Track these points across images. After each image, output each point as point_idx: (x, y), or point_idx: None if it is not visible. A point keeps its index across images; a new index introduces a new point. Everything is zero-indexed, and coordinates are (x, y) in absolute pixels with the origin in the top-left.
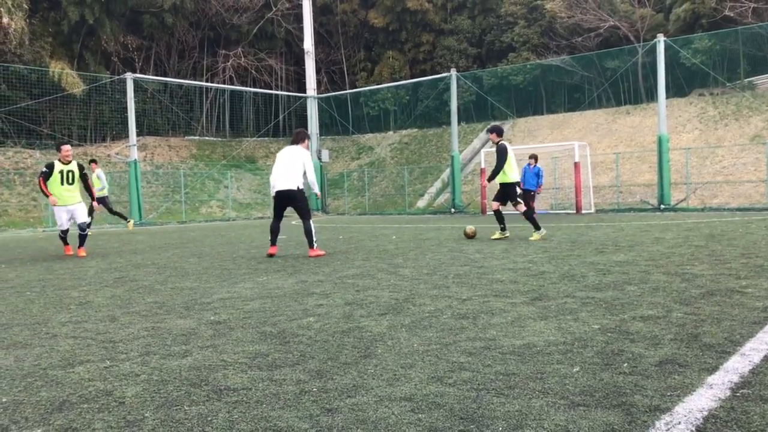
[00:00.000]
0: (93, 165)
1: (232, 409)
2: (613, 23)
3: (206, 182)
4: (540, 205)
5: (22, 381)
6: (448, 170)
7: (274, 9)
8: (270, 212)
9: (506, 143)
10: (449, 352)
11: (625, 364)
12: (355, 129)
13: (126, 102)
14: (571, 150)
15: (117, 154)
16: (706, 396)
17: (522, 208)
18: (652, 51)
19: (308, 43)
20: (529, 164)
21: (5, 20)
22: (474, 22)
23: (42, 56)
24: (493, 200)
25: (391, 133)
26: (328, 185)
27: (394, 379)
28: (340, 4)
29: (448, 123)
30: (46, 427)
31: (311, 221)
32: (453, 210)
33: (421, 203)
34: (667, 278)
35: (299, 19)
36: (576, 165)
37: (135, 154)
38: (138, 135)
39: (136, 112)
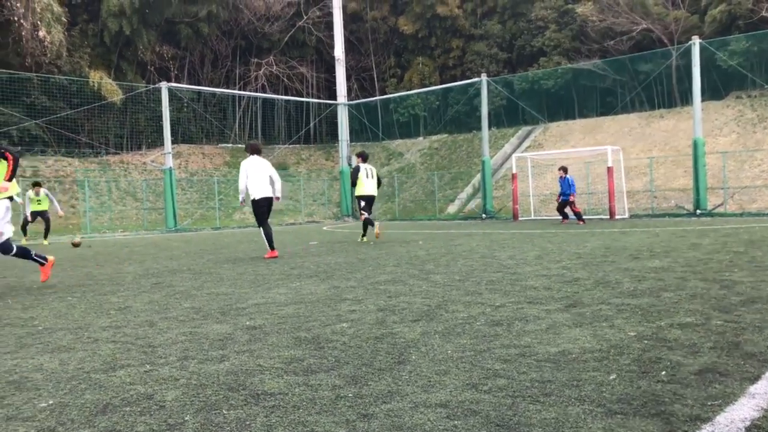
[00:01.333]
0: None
1: (270, 413)
2: (646, 26)
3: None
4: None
5: (67, 384)
6: (478, 175)
7: (305, 17)
8: (299, 218)
9: (361, 165)
10: (483, 359)
11: (663, 372)
12: (384, 135)
13: (161, 110)
14: (604, 155)
15: (152, 161)
16: (749, 406)
17: (364, 215)
18: (687, 53)
19: (339, 51)
20: (560, 176)
21: (42, 33)
22: (504, 26)
23: (81, 66)
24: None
25: (421, 138)
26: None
27: (428, 386)
28: (370, 11)
29: (479, 128)
30: (91, 429)
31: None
32: (484, 215)
33: (452, 209)
34: (704, 285)
35: (330, 26)
36: (609, 170)
37: (170, 161)
38: (173, 143)
39: (170, 120)
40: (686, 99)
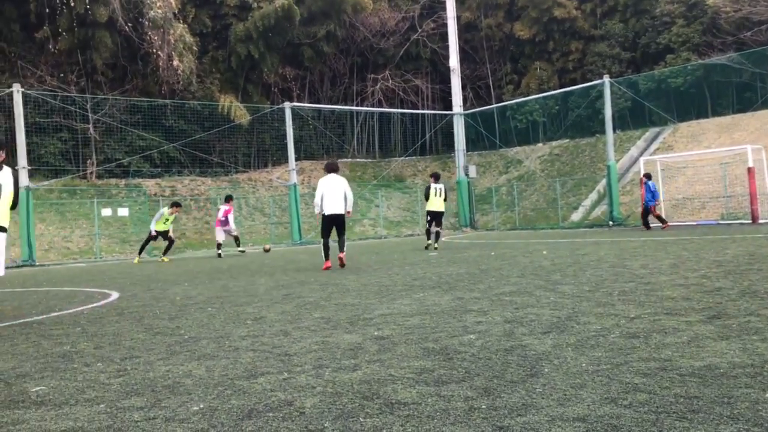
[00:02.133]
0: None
1: (405, 422)
2: None
3: (359, 202)
4: (709, 214)
5: (214, 389)
6: (603, 181)
7: (420, 30)
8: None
9: (432, 184)
10: (621, 372)
11: None
12: (502, 143)
13: (285, 129)
14: (743, 154)
15: (278, 178)
16: None
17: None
18: None
19: (453, 61)
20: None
21: (175, 62)
22: (626, 25)
23: (212, 91)
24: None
25: (540, 144)
26: (476, 200)
27: (564, 399)
28: (484, 19)
29: (602, 132)
30: None
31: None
32: (611, 223)
33: (576, 216)
34: None
35: (444, 38)
36: (750, 170)
37: (294, 177)
38: (296, 160)
39: (293, 138)
40: None
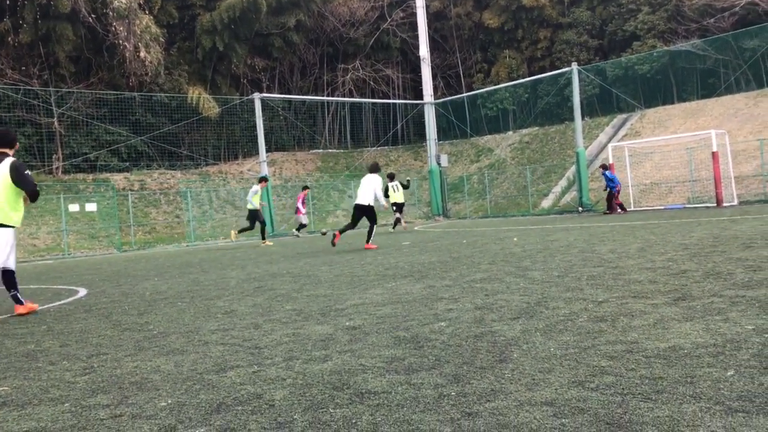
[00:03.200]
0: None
1: (375, 411)
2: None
3: (331, 193)
4: (676, 199)
5: (183, 384)
6: (573, 168)
7: (389, 19)
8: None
9: (389, 183)
10: (588, 356)
11: None
12: (473, 132)
13: (255, 120)
14: (708, 139)
15: (249, 170)
16: None
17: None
18: None
19: (423, 50)
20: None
21: (142, 54)
22: (594, 13)
23: (180, 84)
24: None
25: (510, 133)
26: (448, 189)
27: (533, 384)
28: (453, 8)
29: (571, 119)
30: (207, 427)
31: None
32: (581, 209)
33: (546, 203)
34: None
35: (414, 27)
36: (714, 155)
37: (265, 169)
38: (267, 151)
39: (264, 129)
40: None
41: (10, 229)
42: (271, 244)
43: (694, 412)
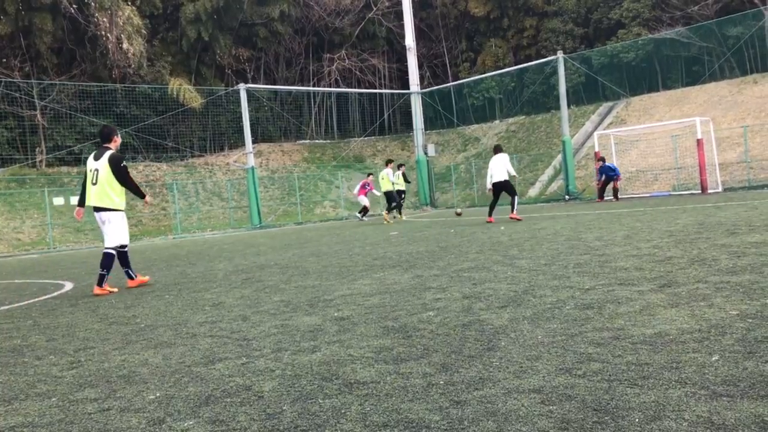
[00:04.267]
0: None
1: (364, 401)
2: None
3: (318, 184)
4: (662, 186)
5: (171, 377)
6: (559, 156)
7: (375, 9)
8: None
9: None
10: (576, 343)
11: None
12: (459, 121)
13: (241, 111)
14: (693, 126)
15: (235, 161)
16: None
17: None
18: None
19: (409, 39)
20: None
21: (125, 45)
22: (579, 1)
23: (163, 75)
24: None
25: (497, 122)
26: (435, 179)
27: (520, 372)
28: None
29: (557, 107)
30: (196, 419)
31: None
32: (567, 197)
33: (533, 192)
34: None
35: (399, 16)
36: (699, 142)
37: (252, 161)
38: (253, 142)
39: (250, 120)
40: None
41: (120, 212)
42: (392, 221)
43: (679, 397)
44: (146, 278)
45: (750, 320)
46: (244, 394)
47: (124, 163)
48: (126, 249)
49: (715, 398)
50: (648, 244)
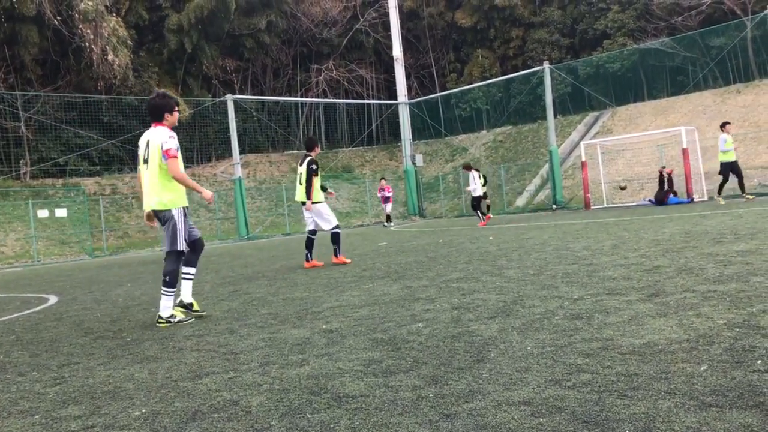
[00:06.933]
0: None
1: (353, 416)
2: None
3: None
4: (648, 195)
5: (157, 392)
6: (546, 166)
7: (362, 19)
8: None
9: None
10: (565, 354)
11: (760, 362)
12: (447, 131)
13: (228, 122)
14: (678, 136)
15: (222, 172)
16: None
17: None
18: (763, 23)
19: (397, 50)
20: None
21: (110, 57)
22: (565, 12)
23: (150, 86)
24: None
25: (484, 132)
26: (423, 189)
27: (510, 383)
28: (426, 7)
29: (544, 117)
30: None
31: None
32: (554, 206)
33: (520, 201)
34: None
35: (387, 27)
36: (684, 151)
37: (239, 171)
38: (240, 153)
39: (237, 131)
40: (765, 71)
41: (323, 203)
42: (752, 197)
43: (669, 408)
44: (348, 260)
45: (737, 329)
46: (232, 409)
47: (314, 166)
48: (339, 230)
49: (705, 409)
50: (635, 253)
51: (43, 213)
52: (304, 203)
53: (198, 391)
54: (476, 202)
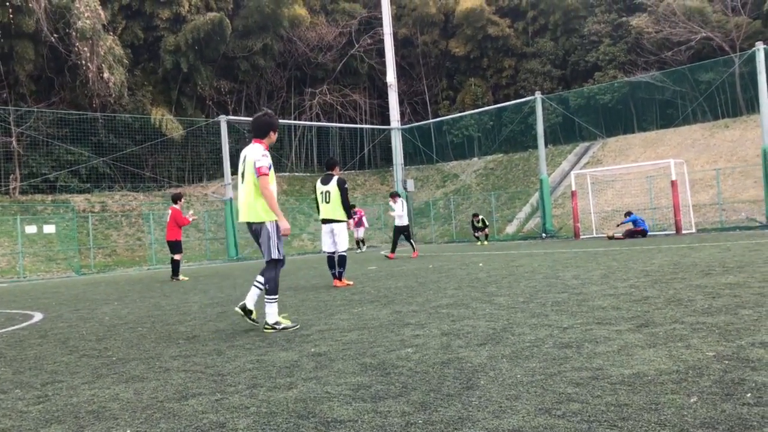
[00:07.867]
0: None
1: None
2: (705, 34)
3: (297, 216)
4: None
5: (143, 413)
6: (536, 194)
7: (357, 45)
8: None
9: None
10: (555, 382)
11: (749, 395)
12: (439, 157)
13: (221, 143)
14: (667, 168)
15: (213, 193)
16: None
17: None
18: (751, 60)
19: (391, 77)
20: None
21: (106, 75)
22: (557, 43)
23: (144, 104)
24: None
25: (475, 159)
26: (414, 214)
27: (500, 411)
28: (420, 36)
29: (535, 146)
30: None
31: None
32: (544, 235)
33: (510, 229)
34: None
35: (381, 53)
36: (673, 183)
37: (230, 192)
38: (232, 174)
39: (230, 152)
40: (752, 107)
41: (344, 223)
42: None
43: None
44: (351, 282)
45: (726, 362)
46: (218, 431)
47: (347, 185)
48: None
49: None
50: (625, 283)
51: (31, 229)
52: (327, 221)
53: (184, 412)
54: (405, 231)
